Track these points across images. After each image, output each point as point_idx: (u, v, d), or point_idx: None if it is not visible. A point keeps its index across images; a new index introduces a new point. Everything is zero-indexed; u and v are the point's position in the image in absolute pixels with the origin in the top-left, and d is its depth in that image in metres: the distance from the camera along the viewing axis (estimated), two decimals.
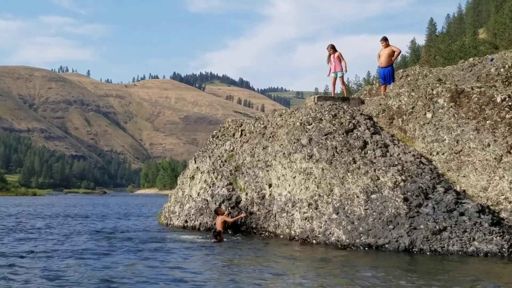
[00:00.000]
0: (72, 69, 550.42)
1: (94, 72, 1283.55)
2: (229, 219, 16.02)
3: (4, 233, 17.49)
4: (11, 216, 28.82)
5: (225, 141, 19.76)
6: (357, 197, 13.09)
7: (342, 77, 18.95)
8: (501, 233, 11.41)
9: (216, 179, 17.93)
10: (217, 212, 16.30)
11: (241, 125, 19.96)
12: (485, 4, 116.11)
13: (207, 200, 17.63)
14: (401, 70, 22.78)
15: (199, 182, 18.76)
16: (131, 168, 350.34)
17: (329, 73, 18.97)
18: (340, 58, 18.66)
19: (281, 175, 15.51)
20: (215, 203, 16.88)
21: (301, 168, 14.79)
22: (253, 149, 17.61)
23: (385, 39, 18.10)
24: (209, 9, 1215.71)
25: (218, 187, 17.54)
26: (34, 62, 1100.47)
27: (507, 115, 13.18)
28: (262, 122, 18.68)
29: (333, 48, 18.84)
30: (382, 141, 14.53)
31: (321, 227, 13.32)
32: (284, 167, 15.42)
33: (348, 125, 15.11)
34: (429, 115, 14.56)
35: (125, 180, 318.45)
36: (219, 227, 16.19)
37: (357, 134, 14.80)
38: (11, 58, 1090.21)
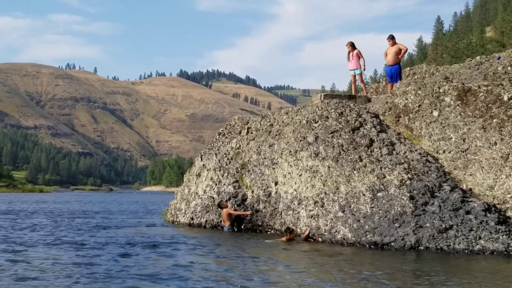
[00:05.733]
0: (79, 66, 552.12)
1: (101, 70, 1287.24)
2: (234, 212, 16.13)
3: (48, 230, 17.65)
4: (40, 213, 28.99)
5: (232, 138, 19.78)
6: (363, 195, 13.09)
7: (360, 74, 18.99)
8: (508, 232, 11.40)
9: (222, 176, 17.96)
10: (220, 205, 16.41)
11: (248, 122, 19.97)
12: (493, 2, 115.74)
13: (213, 198, 17.66)
14: (408, 68, 22.73)
15: (205, 180, 18.79)
16: (137, 165, 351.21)
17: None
18: (359, 56, 18.68)
19: (287, 173, 15.52)
20: (221, 201, 16.91)
21: (307, 166, 14.80)
22: (259, 147, 17.62)
23: (392, 37, 18.09)
24: (216, 8, 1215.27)
25: (224, 184, 17.57)
26: (43, 59, 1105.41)
27: None
28: (268, 120, 18.69)
29: (352, 46, 18.85)
30: (388, 139, 14.53)
31: (327, 225, 13.33)
32: (290, 165, 15.44)
33: (355, 123, 15.11)
34: (435, 113, 14.53)
35: (131, 177, 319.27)
36: (225, 220, 16.26)
37: (363, 132, 14.80)
38: (20, 56, 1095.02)
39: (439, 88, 14.92)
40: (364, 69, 18.87)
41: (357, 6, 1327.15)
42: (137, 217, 25.68)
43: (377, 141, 14.42)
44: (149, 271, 9.30)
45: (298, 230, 14.14)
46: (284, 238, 13.60)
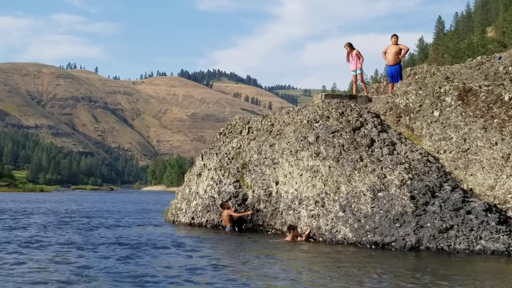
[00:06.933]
0: (80, 66, 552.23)
1: (102, 69, 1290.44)
2: (235, 214, 16.13)
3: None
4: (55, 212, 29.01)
5: (232, 138, 19.79)
6: (364, 195, 13.09)
7: (361, 74, 18.97)
8: (508, 232, 11.39)
9: (223, 176, 17.97)
10: (223, 206, 16.40)
11: (248, 122, 19.97)
12: (494, 3, 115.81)
13: (214, 197, 17.66)
14: (409, 68, 22.75)
15: (206, 179, 18.79)
16: (138, 165, 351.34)
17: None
18: (358, 56, 18.68)
19: (288, 173, 15.52)
20: (222, 200, 16.91)
21: (308, 165, 14.80)
22: (260, 147, 17.62)
23: (396, 36, 18.07)
24: (218, 8, 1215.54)
25: (225, 184, 17.58)
26: (44, 59, 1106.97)
27: None
28: (269, 120, 18.70)
29: (350, 46, 18.86)
30: (389, 139, 14.52)
31: (327, 224, 13.33)
32: (291, 165, 15.44)
33: (355, 123, 15.11)
34: (436, 113, 14.53)
35: (132, 177, 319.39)
36: (226, 221, 16.28)
37: (364, 132, 14.80)
38: (21, 55, 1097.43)
39: (440, 88, 14.93)
40: (361, 68, 18.82)
41: (359, 6, 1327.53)
42: (138, 216, 25.68)
43: (378, 141, 14.42)
44: (147, 271, 9.31)
45: (299, 230, 14.13)
46: (288, 238, 13.58)
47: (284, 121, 17.58)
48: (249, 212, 16.12)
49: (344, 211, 13.14)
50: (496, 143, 12.92)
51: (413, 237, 11.64)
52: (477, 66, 17.08)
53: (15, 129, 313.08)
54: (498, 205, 12.28)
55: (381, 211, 12.54)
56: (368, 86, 24.36)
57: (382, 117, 15.82)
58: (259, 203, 16.15)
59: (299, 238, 13.56)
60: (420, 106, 15.07)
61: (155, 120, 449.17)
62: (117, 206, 38.56)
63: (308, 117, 16.09)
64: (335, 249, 12.08)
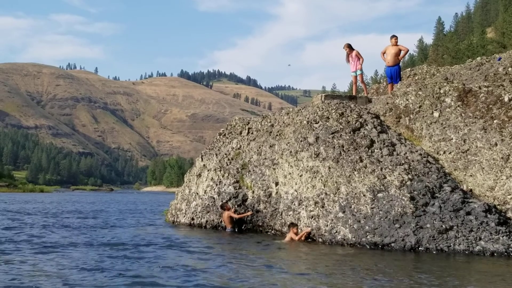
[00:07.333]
0: (80, 66, 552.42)
1: (102, 70, 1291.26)
2: (235, 215, 16.11)
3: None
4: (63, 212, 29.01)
5: (232, 139, 19.78)
6: (364, 195, 13.09)
7: (361, 75, 18.99)
8: (508, 233, 11.39)
9: (222, 177, 17.96)
10: (223, 207, 16.38)
11: (248, 123, 19.97)
12: (494, 3, 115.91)
13: (213, 198, 17.66)
14: (409, 69, 22.76)
15: (206, 180, 18.79)
16: (138, 165, 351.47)
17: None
18: (358, 57, 18.71)
19: (287, 173, 15.52)
20: (222, 201, 16.90)
21: (307, 166, 14.80)
22: (260, 147, 17.62)
23: (396, 37, 18.10)
24: (218, 8, 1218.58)
25: (224, 185, 17.57)
26: (44, 59, 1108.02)
27: None
28: (269, 120, 18.69)
29: (349, 47, 18.89)
30: (389, 140, 14.52)
31: (327, 225, 13.32)
32: (291, 166, 15.43)
33: (355, 123, 15.11)
34: (436, 114, 14.53)
35: (132, 178, 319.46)
36: (226, 223, 16.26)
37: (364, 132, 14.80)
38: (21, 55, 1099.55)
39: (440, 89, 14.93)
40: (361, 69, 18.85)
41: (359, 6, 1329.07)
42: (137, 217, 25.66)
43: (377, 141, 14.42)
44: (146, 272, 9.31)
45: (299, 230, 14.13)
46: (292, 236, 13.51)
47: (284, 122, 17.58)
48: (249, 213, 16.12)
49: (343, 212, 13.14)
50: (496, 144, 12.93)
51: (413, 238, 11.65)
52: (476, 67, 17.09)
53: (15, 130, 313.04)
54: (498, 206, 12.29)
55: (380, 212, 12.54)
56: (368, 86, 24.36)
57: (382, 118, 15.82)
58: (259, 204, 16.15)
59: (297, 236, 13.52)
60: (420, 107, 15.07)
61: (155, 120, 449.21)
62: (116, 207, 38.54)
63: (308, 118, 16.09)
64: (334, 250, 12.09)
